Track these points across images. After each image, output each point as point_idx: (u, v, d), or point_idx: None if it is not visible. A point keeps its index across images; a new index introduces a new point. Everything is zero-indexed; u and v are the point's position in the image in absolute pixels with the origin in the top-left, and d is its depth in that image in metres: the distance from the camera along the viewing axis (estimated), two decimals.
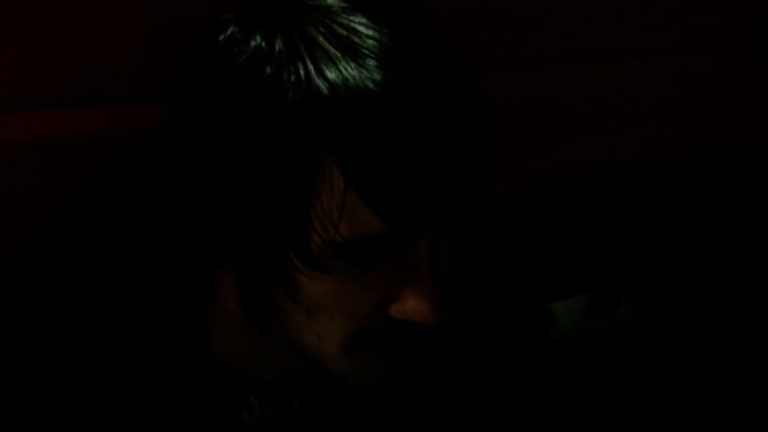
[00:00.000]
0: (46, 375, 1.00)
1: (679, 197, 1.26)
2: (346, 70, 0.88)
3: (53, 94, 1.03)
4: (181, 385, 1.01)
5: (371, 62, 0.88)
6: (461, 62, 0.94)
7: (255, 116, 0.89)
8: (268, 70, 0.89)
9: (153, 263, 1.04)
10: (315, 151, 0.88)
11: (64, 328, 1.01)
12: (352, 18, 0.90)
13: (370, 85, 0.87)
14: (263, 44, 0.90)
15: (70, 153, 1.05)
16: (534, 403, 1.10)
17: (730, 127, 1.24)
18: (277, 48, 0.90)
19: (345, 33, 0.89)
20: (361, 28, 0.89)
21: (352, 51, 0.88)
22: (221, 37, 0.92)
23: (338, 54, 0.88)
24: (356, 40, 0.89)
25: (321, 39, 0.89)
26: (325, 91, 0.88)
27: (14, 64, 1.02)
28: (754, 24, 1.22)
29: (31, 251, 1.07)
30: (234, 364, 1.02)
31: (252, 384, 1.02)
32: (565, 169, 1.18)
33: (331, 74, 0.88)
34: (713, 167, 1.26)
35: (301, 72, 0.88)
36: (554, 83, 1.17)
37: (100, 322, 1.02)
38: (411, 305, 0.92)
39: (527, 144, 1.16)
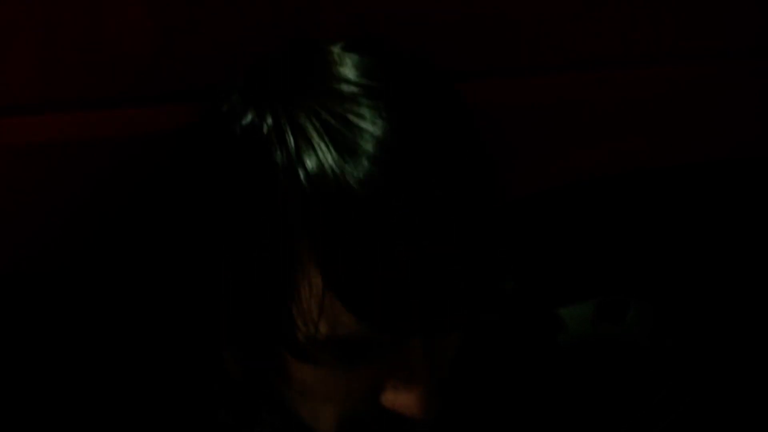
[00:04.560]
0: (51, 381, 1.00)
1: (687, 203, 1.26)
2: (329, 163, 0.83)
3: (64, 97, 1.03)
4: (192, 396, 1.00)
5: (358, 158, 0.83)
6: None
7: (243, 201, 0.87)
8: (257, 151, 0.86)
9: (164, 271, 1.04)
10: (295, 244, 0.85)
11: (70, 335, 1.01)
12: (350, 107, 0.85)
13: (351, 182, 0.82)
14: (255, 121, 0.87)
15: (81, 156, 1.04)
16: (543, 410, 1.09)
17: (733, 135, 1.24)
18: (265, 130, 0.86)
19: (336, 123, 0.84)
20: (357, 120, 0.84)
21: (339, 144, 0.83)
22: (224, 107, 0.90)
23: (323, 146, 0.84)
24: (347, 133, 0.84)
25: (309, 127, 0.85)
26: (305, 183, 0.83)
27: (24, 66, 1.01)
28: (757, 32, 1.23)
29: (40, 254, 1.06)
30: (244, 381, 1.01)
31: (264, 398, 1.01)
32: (575, 174, 1.18)
33: (311, 165, 0.83)
34: (720, 174, 1.26)
35: (285, 159, 0.84)
36: (561, 89, 1.17)
37: (107, 330, 1.02)
38: (402, 399, 0.89)
39: (538, 149, 1.16)
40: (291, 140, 0.85)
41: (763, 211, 1.25)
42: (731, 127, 1.22)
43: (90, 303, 1.03)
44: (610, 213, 1.24)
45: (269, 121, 0.86)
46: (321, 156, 0.83)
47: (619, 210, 1.24)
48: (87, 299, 1.03)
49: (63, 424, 0.98)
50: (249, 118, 0.88)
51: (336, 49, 0.89)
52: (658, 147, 1.20)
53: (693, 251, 1.26)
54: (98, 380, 0.99)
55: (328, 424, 0.93)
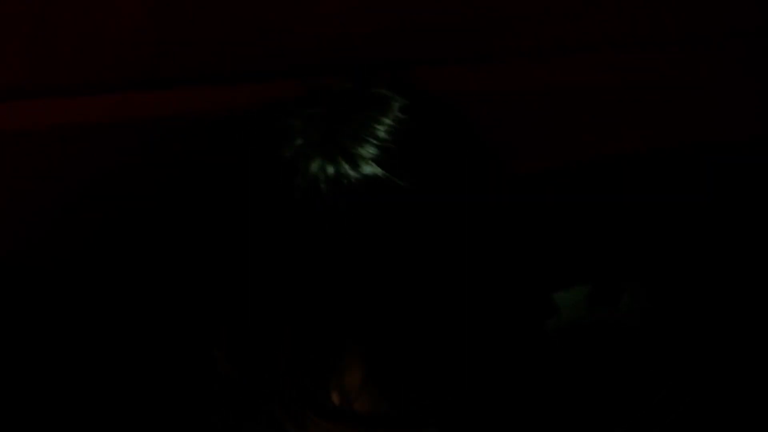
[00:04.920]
0: (50, 380, 1.01)
1: (681, 187, 1.26)
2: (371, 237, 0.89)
3: (60, 83, 1.02)
4: (189, 397, 1.01)
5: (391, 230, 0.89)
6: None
7: (305, 270, 0.90)
8: (317, 218, 0.89)
9: (168, 266, 1.04)
10: (345, 324, 0.90)
11: (70, 333, 1.02)
12: (394, 172, 0.90)
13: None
14: (320, 175, 0.90)
15: (78, 140, 1.04)
16: (537, 394, 1.10)
17: (733, 117, 1.24)
18: (324, 189, 0.90)
19: (376, 192, 0.90)
20: (401, 183, 0.90)
21: (380, 216, 0.89)
22: (286, 153, 0.92)
23: (369, 215, 0.89)
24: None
25: (359, 187, 0.90)
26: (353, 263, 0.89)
27: (21, 52, 1.01)
28: (756, 16, 1.22)
29: (39, 245, 1.06)
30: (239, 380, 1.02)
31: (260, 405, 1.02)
32: (575, 157, 1.18)
33: (361, 238, 0.89)
34: (715, 157, 1.26)
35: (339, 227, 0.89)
36: (561, 75, 1.17)
37: (107, 330, 1.02)
38: None
39: (538, 133, 1.16)
40: (345, 206, 0.89)
41: (763, 207, 1.25)
42: (730, 109, 1.22)
43: (89, 302, 1.03)
44: (606, 199, 1.24)
45: (331, 171, 0.89)
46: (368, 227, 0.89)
47: (615, 196, 1.24)
48: (86, 298, 1.03)
49: (62, 423, 0.98)
50: (315, 166, 0.90)
51: (395, 111, 0.93)
52: (658, 129, 1.20)
53: (689, 235, 1.26)
54: (97, 381, 0.99)
55: None
